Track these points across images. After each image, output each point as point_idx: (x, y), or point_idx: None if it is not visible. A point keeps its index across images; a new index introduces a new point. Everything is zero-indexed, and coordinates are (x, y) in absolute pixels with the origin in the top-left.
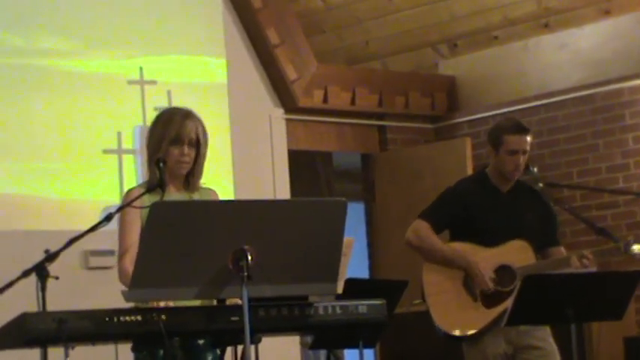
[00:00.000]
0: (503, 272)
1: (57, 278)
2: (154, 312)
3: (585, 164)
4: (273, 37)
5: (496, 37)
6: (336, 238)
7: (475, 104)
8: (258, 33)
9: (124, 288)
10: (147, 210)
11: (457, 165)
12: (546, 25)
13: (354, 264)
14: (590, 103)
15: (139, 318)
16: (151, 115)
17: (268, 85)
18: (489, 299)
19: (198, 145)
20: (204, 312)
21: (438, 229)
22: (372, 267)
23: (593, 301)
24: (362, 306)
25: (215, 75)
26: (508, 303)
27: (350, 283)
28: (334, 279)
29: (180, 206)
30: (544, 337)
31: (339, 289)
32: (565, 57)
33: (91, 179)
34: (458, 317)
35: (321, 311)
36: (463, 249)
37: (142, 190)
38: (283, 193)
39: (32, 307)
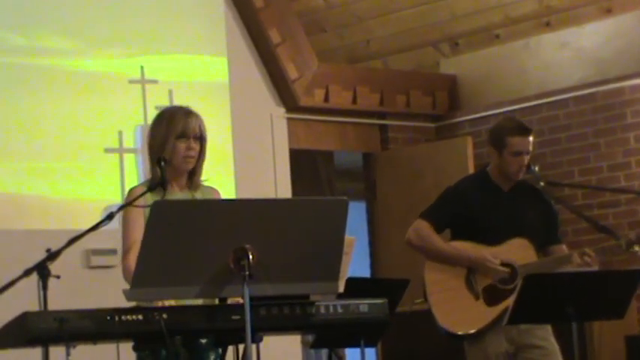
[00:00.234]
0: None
1: (58, 277)
2: (155, 311)
3: (587, 163)
4: (274, 36)
5: (497, 36)
6: (337, 237)
7: (476, 103)
8: (259, 32)
9: (125, 287)
10: (149, 209)
11: (458, 164)
12: (548, 24)
13: (356, 263)
14: (592, 101)
15: (141, 317)
16: (153, 114)
17: (269, 84)
18: (491, 297)
19: (202, 141)
20: (205, 311)
21: (439, 229)
22: (373, 266)
23: (595, 300)
24: (363, 305)
25: (216, 74)
26: (510, 301)
27: (351, 282)
28: (335, 278)
29: (182, 205)
30: (545, 336)
31: (341, 288)
32: (566, 56)
33: (92, 178)
34: (459, 316)
35: (322, 310)
36: (465, 247)
37: (145, 189)
38: (284, 192)
39: (34, 306)
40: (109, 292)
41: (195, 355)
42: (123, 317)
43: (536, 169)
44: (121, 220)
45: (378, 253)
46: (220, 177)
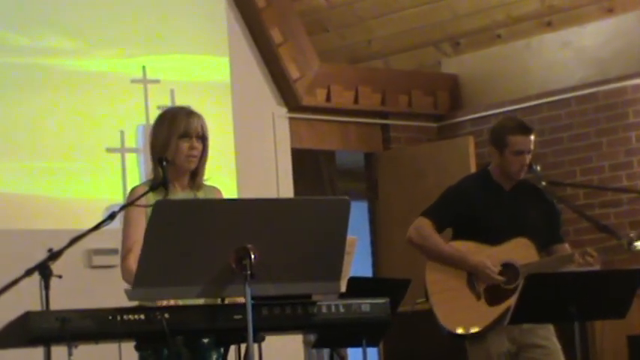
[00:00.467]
0: (507, 270)
1: (60, 277)
2: (157, 311)
3: (588, 162)
4: (276, 35)
5: (499, 36)
6: (339, 236)
7: (478, 103)
8: (261, 32)
9: (127, 287)
10: (151, 208)
11: (460, 163)
12: (549, 24)
13: (358, 262)
14: (593, 101)
15: (143, 317)
16: (155, 114)
17: (271, 84)
18: (493, 297)
19: (204, 141)
20: (207, 311)
21: (440, 228)
22: (375, 265)
23: (597, 299)
24: (365, 305)
25: (218, 74)
26: (511, 301)
27: (353, 281)
28: (337, 278)
29: (184, 205)
30: (547, 335)
31: (343, 288)
32: (568, 55)
33: (94, 178)
34: (461, 315)
35: (324, 310)
36: (466, 248)
37: (147, 188)
38: (286, 191)
39: (35, 306)
40: (111, 291)
41: (197, 354)
42: (125, 317)
43: (538, 168)
44: (122, 220)
45: (380, 252)
46: (222, 177)
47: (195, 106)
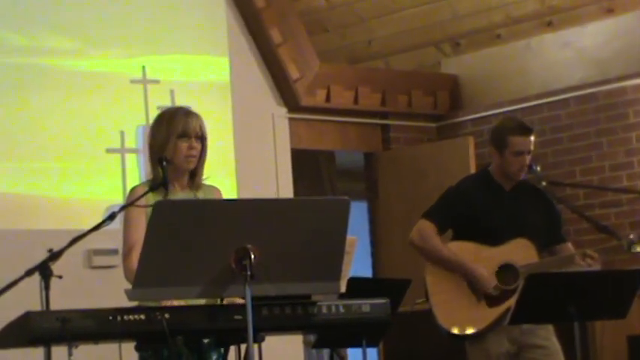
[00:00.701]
0: (506, 271)
1: (60, 277)
2: (157, 311)
3: (588, 163)
4: (275, 36)
5: (499, 36)
6: (339, 237)
7: (478, 103)
8: (260, 32)
9: (127, 287)
10: (151, 208)
11: (460, 164)
12: (549, 24)
13: (357, 263)
14: (594, 101)
15: (143, 317)
16: (154, 114)
17: (271, 84)
18: (493, 298)
19: (203, 140)
20: (207, 311)
21: (442, 230)
22: (375, 266)
23: (597, 299)
24: (365, 305)
25: (218, 74)
26: (511, 302)
27: (353, 281)
28: (337, 278)
29: (184, 205)
30: (547, 335)
31: (342, 288)
32: (568, 55)
33: (94, 178)
34: (461, 316)
35: (324, 310)
36: (465, 249)
37: (146, 189)
38: (286, 192)
39: (36, 306)
40: (111, 292)
41: (198, 355)
42: (125, 317)
43: (538, 168)
44: (123, 220)
45: (380, 253)
46: (222, 177)
47: (195, 107)
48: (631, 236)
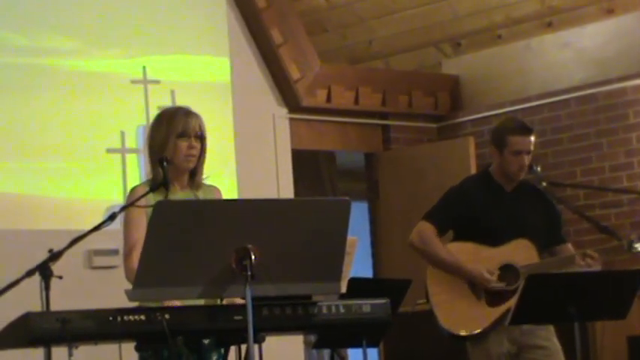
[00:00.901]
0: (507, 271)
1: (61, 278)
2: (157, 311)
3: (589, 163)
4: (276, 36)
5: (499, 37)
6: (339, 237)
7: (478, 103)
8: (261, 32)
9: (127, 287)
10: (152, 208)
11: (461, 164)
12: (549, 24)
13: (358, 263)
14: (594, 102)
15: (143, 317)
16: (155, 115)
17: (272, 85)
18: (493, 298)
19: (202, 140)
20: (207, 311)
21: (442, 231)
22: (375, 266)
23: (597, 300)
24: (365, 305)
25: (218, 74)
26: (512, 302)
27: (353, 282)
28: (338, 278)
29: (184, 205)
30: (548, 336)
31: (343, 289)
32: (568, 56)
33: (94, 178)
34: (462, 316)
35: (324, 310)
36: (466, 250)
37: (147, 189)
38: (287, 192)
39: (36, 306)
40: (111, 292)
41: (198, 355)
42: (125, 317)
43: (539, 169)
44: (123, 220)
45: (381, 253)
46: (223, 177)
47: (196, 107)
48: (632, 237)
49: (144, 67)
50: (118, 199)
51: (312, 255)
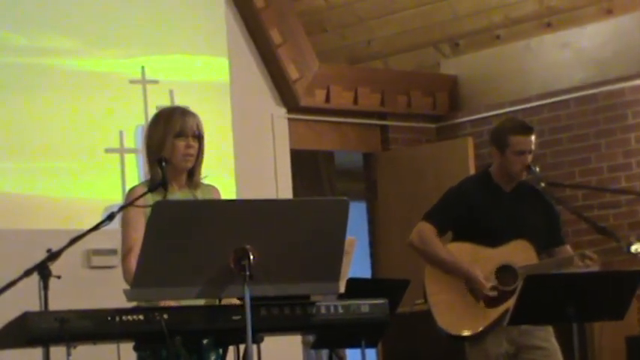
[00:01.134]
0: (505, 272)
1: (59, 277)
2: (156, 311)
3: (587, 164)
4: (275, 36)
5: (498, 37)
6: (338, 237)
7: (477, 104)
8: (260, 32)
9: (126, 287)
10: (150, 208)
11: (459, 165)
12: (548, 25)
13: (356, 263)
14: (593, 102)
15: (141, 317)
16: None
17: (270, 85)
18: (492, 299)
19: (200, 140)
20: (206, 311)
21: (441, 231)
22: (374, 266)
23: (595, 300)
24: (364, 305)
25: (217, 74)
26: (510, 303)
27: (352, 282)
28: (336, 278)
29: (183, 205)
30: (546, 337)
31: (341, 289)
32: (567, 56)
33: (93, 178)
34: (460, 317)
35: (323, 310)
36: (464, 250)
37: (145, 189)
38: (285, 192)
39: (34, 306)
40: (110, 292)
41: (196, 355)
42: (123, 317)
43: (537, 169)
44: (121, 220)
45: (379, 253)
46: (221, 177)
47: (194, 107)
48: (630, 238)
49: (142, 67)
50: (117, 198)
51: (310, 255)
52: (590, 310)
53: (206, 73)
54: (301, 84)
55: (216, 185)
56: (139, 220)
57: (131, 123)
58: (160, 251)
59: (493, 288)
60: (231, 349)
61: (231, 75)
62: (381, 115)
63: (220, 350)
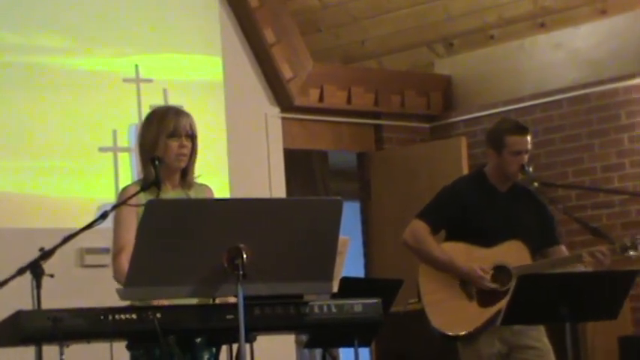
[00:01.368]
0: (499, 272)
1: (52, 276)
2: (149, 310)
3: (580, 164)
4: (269, 35)
5: (492, 37)
6: (331, 236)
7: (471, 104)
8: (254, 32)
9: (119, 286)
10: (143, 208)
11: (453, 164)
12: (542, 25)
13: (350, 263)
14: (586, 102)
15: (134, 316)
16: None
17: (264, 84)
18: (485, 299)
19: (193, 139)
20: (199, 310)
21: (435, 230)
22: (367, 266)
23: (589, 300)
24: (357, 305)
25: (211, 73)
26: (503, 303)
27: (345, 281)
28: (329, 278)
29: (176, 204)
30: (539, 336)
31: (335, 288)
32: (561, 56)
33: (86, 177)
34: (453, 317)
35: (316, 310)
36: (458, 250)
37: (138, 188)
38: (279, 191)
39: (27, 305)
40: (103, 291)
41: (189, 354)
42: (117, 316)
43: (530, 169)
44: (113, 220)
45: (372, 253)
46: (215, 176)
47: (188, 106)
48: (624, 241)
49: (136, 66)
50: (110, 197)
51: (304, 254)
52: (583, 310)
53: (200, 72)
54: (295, 83)
55: (209, 185)
56: (131, 220)
57: (125, 122)
58: (153, 250)
59: (491, 280)
60: (224, 348)
61: (225, 74)
62: (375, 115)
63: (214, 349)
